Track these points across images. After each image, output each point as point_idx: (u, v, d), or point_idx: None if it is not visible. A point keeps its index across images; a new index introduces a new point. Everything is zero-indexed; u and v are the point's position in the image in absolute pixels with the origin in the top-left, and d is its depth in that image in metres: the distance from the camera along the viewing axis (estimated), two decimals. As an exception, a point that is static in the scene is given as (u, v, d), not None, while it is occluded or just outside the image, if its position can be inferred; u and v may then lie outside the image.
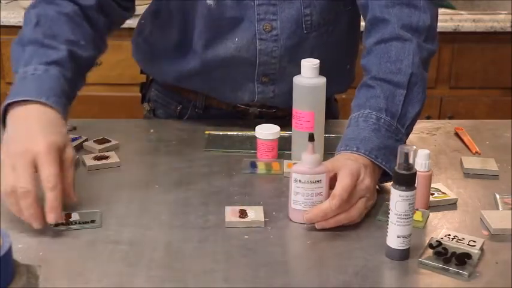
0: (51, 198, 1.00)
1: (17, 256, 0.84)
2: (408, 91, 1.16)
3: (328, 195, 1.04)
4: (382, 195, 1.15)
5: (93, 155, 1.26)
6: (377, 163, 1.10)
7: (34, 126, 1.05)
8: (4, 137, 1.07)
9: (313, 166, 1.03)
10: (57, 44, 1.18)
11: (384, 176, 1.13)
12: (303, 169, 1.04)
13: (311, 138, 1.03)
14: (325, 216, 1.02)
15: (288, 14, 1.32)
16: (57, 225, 1.02)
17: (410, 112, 1.16)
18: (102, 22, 1.29)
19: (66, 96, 1.15)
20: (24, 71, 1.14)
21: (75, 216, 1.05)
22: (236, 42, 1.33)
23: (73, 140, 1.33)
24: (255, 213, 1.07)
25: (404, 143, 1.16)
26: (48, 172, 1.00)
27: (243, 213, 1.06)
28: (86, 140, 1.34)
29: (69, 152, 1.05)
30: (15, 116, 1.08)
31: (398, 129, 1.14)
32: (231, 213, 1.06)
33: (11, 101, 1.09)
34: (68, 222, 1.03)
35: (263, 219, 1.05)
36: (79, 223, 1.04)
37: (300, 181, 1.04)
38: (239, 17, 1.32)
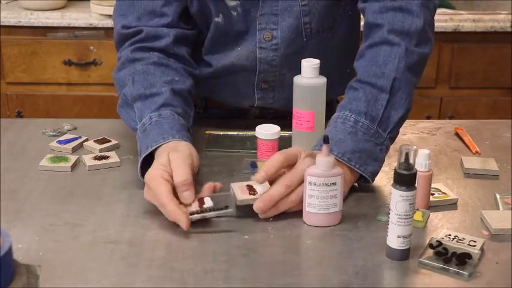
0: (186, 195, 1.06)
1: (17, 256, 0.84)
2: (391, 96, 1.16)
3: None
4: (382, 196, 1.15)
5: (93, 155, 1.27)
6: (350, 166, 1.11)
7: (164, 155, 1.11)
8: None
9: (327, 169, 1.02)
10: (158, 89, 1.23)
11: (364, 178, 1.14)
12: (318, 172, 1.03)
13: (326, 140, 1.02)
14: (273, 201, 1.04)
15: (288, 22, 1.32)
16: (192, 213, 1.04)
17: (393, 116, 1.16)
18: (184, 50, 1.34)
19: (186, 129, 1.20)
20: (142, 124, 1.19)
21: (208, 202, 1.05)
22: (238, 51, 1.35)
23: (73, 140, 1.33)
24: (263, 188, 1.06)
25: (387, 147, 1.16)
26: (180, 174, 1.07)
27: (251, 190, 1.06)
28: (86, 140, 1.34)
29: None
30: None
31: (378, 133, 1.15)
32: (241, 191, 1.06)
33: (144, 155, 1.14)
34: (202, 210, 1.04)
35: None
36: (213, 210, 1.04)
37: (314, 184, 1.03)
38: (245, 29, 1.33)
